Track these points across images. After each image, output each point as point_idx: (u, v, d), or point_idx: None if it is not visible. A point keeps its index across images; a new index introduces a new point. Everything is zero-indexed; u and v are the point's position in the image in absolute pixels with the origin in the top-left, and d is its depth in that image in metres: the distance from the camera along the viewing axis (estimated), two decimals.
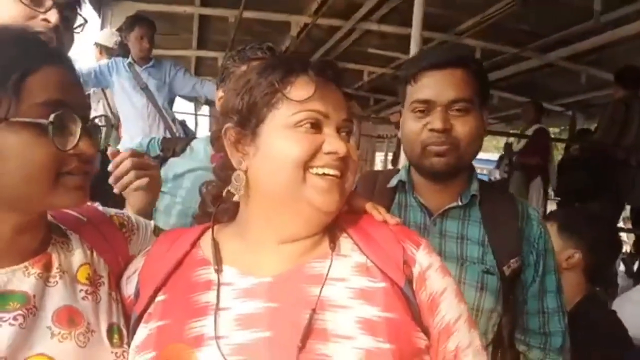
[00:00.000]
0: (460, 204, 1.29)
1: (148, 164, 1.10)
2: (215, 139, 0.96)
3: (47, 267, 0.82)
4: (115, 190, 1.07)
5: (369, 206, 0.99)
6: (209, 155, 1.71)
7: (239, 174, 0.89)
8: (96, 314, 0.84)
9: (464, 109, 1.23)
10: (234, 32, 4.88)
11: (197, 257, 0.90)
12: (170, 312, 0.84)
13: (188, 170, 1.64)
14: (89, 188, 0.82)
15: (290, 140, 0.83)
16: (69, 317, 0.80)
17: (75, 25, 1.20)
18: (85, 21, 1.21)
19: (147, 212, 1.10)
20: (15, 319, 0.75)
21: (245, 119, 0.87)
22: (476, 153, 1.28)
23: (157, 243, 0.95)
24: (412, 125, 1.27)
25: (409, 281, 0.85)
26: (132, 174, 1.06)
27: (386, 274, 0.84)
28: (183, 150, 1.71)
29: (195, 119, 7.78)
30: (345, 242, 0.90)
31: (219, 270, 0.86)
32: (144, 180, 1.07)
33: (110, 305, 0.87)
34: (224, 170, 0.93)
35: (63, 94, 0.75)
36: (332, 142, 0.84)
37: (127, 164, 1.06)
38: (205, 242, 0.92)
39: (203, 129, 7.97)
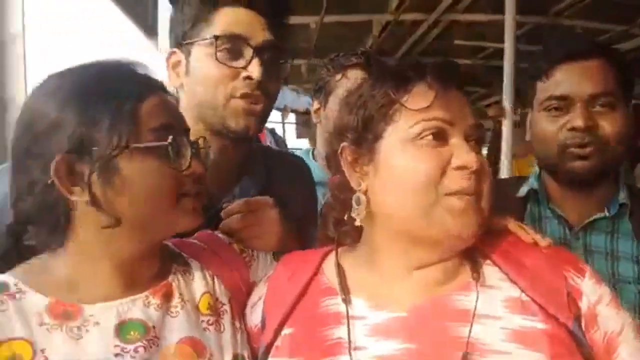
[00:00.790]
0: (607, 214, 1.13)
1: (260, 209, 1.00)
2: (330, 160, 0.89)
3: (168, 297, 0.82)
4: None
5: (513, 225, 0.86)
6: (312, 170, 1.67)
7: (358, 197, 0.81)
8: (219, 344, 0.82)
9: (608, 104, 1.08)
10: (315, 38, 4.87)
11: (321, 284, 0.84)
12: (300, 348, 0.79)
13: None
14: (202, 210, 0.82)
15: (412, 157, 0.75)
16: (192, 348, 0.79)
17: (281, 64, 1.11)
18: (289, 61, 1.13)
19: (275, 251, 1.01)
20: (136, 350, 0.75)
21: (361, 136, 0.80)
22: (625, 155, 1.12)
23: (279, 268, 0.91)
24: (546, 126, 1.13)
25: (577, 318, 0.72)
26: (241, 222, 0.99)
27: (547, 311, 0.71)
28: None
29: (283, 127, 7.92)
30: (490, 271, 0.79)
31: (347, 301, 0.79)
32: (255, 231, 0.99)
33: (234, 335, 0.85)
34: (342, 193, 0.86)
35: (171, 118, 0.79)
36: (461, 155, 0.74)
37: (234, 217, 0.99)
38: (329, 268, 0.86)
39: (290, 136, 8.09)
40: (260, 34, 1.05)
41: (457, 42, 5.12)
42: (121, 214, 0.75)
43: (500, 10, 3.36)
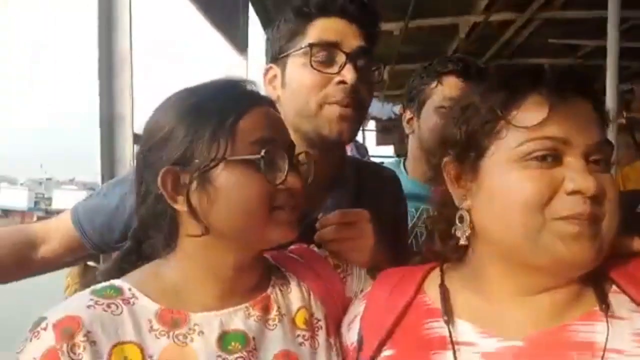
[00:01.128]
0: None
1: (356, 222, 1.00)
2: (431, 173, 0.84)
3: (267, 309, 0.83)
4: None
5: None
6: (402, 182, 1.62)
7: (462, 214, 0.77)
8: None
9: None
10: (399, 44, 4.80)
11: (424, 305, 0.80)
12: None
13: None
14: (297, 224, 0.82)
15: (518, 178, 0.69)
16: None
17: (373, 70, 1.14)
18: (382, 66, 1.15)
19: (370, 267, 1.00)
20: None
21: (464, 152, 0.75)
22: None
23: (377, 285, 0.88)
24: None
25: None
26: (336, 233, 0.99)
27: None
28: None
29: (363, 134, 7.89)
30: (618, 299, 0.71)
31: (449, 323, 0.74)
32: (350, 244, 0.98)
33: (328, 352, 0.84)
34: (445, 208, 0.82)
35: (272, 132, 0.80)
36: (576, 178, 0.66)
37: (330, 228, 0.99)
38: (432, 288, 0.81)
39: (370, 143, 8.05)
40: (353, 41, 1.07)
41: (551, 40, 4.81)
42: (215, 224, 0.78)
43: (599, 5, 3.13)
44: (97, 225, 1.16)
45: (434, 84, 1.53)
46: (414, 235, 1.48)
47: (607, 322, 0.68)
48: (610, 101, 2.84)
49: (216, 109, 0.78)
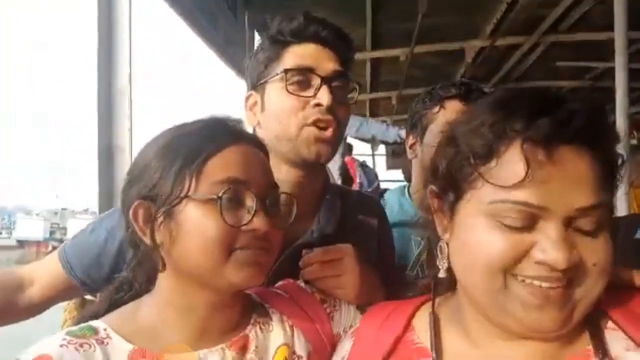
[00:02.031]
0: None
1: (341, 259, 0.97)
2: (420, 197, 0.81)
3: (244, 349, 0.81)
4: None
5: None
6: (404, 208, 1.59)
7: (441, 246, 0.72)
8: None
9: None
10: (406, 69, 4.82)
11: (411, 344, 0.75)
12: None
13: None
14: (269, 266, 0.80)
15: (486, 237, 0.63)
16: None
17: (348, 95, 1.14)
18: (358, 86, 1.16)
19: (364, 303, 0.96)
20: None
21: (444, 189, 0.70)
22: None
23: (365, 321, 0.84)
24: None
25: None
26: (320, 272, 0.96)
27: None
28: None
29: (373, 159, 7.88)
30: (614, 337, 0.65)
31: (438, 358, 0.70)
32: (334, 281, 0.95)
33: None
34: (431, 235, 0.77)
35: (242, 172, 0.77)
36: (547, 250, 0.60)
37: (314, 267, 0.97)
38: (420, 324, 0.77)
39: (381, 168, 8.02)
40: (327, 64, 1.09)
41: (559, 63, 4.79)
42: (177, 262, 0.77)
43: (607, 27, 3.11)
44: (85, 263, 1.13)
45: (436, 109, 1.49)
46: (420, 265, 1.44)
47: None
48: (620, 122, 2.80)
49: (187, 147, 0.77)
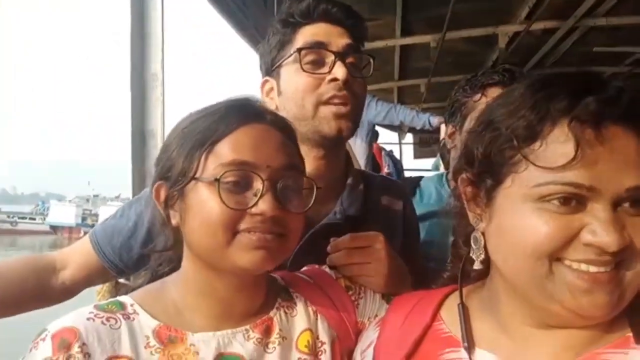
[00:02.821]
0: None
1: (369, 246, 0.96)
2: (455, 181, 0.78)
3: (268, 332, 0.81)
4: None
5: None
6: (443, 197, 1.56)
7: (476, 236, 0.70)
8: None
9: None
10: (436, 56, 4.73)
11: (441, 333, 0.74)
12: None
13: (419, 217, 1.48)
14: (285, 251, 0.79)
15: (532, 221, 0.60)
16: None
17: (362, 67, 1.15)
18: (372, 59, 1.16)
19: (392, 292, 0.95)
20: None
21: (480, 175, 0.67)
22: None
23: (392, 311, 0.83)
24: None
25: None
26: (348, 258, 0.95)
27: None
28: (412, 192, 1.58)
29: (400, 147, 7.79)
30: None
31: (469, 350, 0.68)
32: (362, 269, 0.94)
33: None
34: (461, 226, 0.76)
35: (250, 154, 0.76)
36: (597, 231, 0.58)
37: (342, 252, 0.96)
38: (449, 314, 0.75)
39: (408, 157, 7.93)
40: (339, 40, 1.09)
41: (596, 49, 4.63)
42: (188, 242, 0.79)
43: None
44: (116, 246, 1.16)
45: (477, 97, 1.44)
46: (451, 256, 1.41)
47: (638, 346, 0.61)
48: None
49: (202, 128, 0.78)
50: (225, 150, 0.76)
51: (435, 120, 4.04)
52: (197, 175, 0.76)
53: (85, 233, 1.35)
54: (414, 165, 7.79)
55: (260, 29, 3.22)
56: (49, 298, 1.15)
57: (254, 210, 0.74)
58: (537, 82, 0.67)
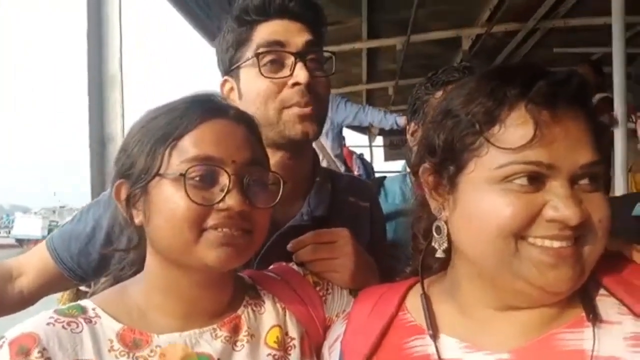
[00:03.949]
0: None
1: (335, 242, 0.96)
2: (414, 175, 0.79)
3: (236, 330, 0.80)
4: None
5: (632, 250, 0.72)
6: (407, 196, 1.56)
7: (438, 225, 0.71)
8: None
9: None
10: (402, 59, 4.81)
11: (406, 322, 0.75)
12: None
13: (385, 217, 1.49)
14: (251, 247, 0.77)
15: (496, 202, 0.62)
16: None
17: (324, 65, 1.10)
18: (332, 54, 1.13)
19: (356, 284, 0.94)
20: None
21: (442, 163, 0.69)
22: None
23: (357, 304, 0.83)
24: None
25: None
26: (313, 254, 0.94)
27: None
28: (377, 192, 1.58)
29: (370, 150, 7.87)
30: (607, 303, 0.66)
31: (434, 336, 0.70)
32: (329, 264, 0.94)
33: None
34: (423, 218, 0.77)
35: (215, 149, 0.75)
36: (559, 206, 0.60)
37: (308, 249, 0.95)
38: (413, 304, 0.77)
39: (379, 159, 8.01)
40: (298, 38, 1.04)
41: (556, 50, 4.78)
42: (152, 240, 0.78)
43: (604, 12, 3.09)
44: (74, 252, 1.12)
45: (439, 94, 1.46)
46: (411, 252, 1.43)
47: (592, 327, 0.63)
48: (618, 107, 2.79)
49: (164, 124, 0.76)
50: (190, 146, 0.75)
51: (401, 120, 4.11)
52: (161, 171, 0.74)
53: None
54: (385, 167, 7.87)
55: (222, 25, 3.20)
56: (5, 307, 1.11)
57: (220, 205, 0.73)
58: (490, 72, 0.70)
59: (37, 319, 0.73)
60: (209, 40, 2.99)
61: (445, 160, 0.69)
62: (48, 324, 0.72)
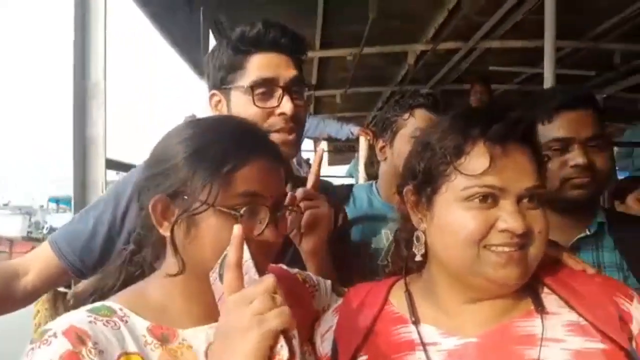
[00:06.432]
0: (589, 233, 1.31)
1: (318, 200, 1.14)
2: (398, 194, 0.95)
3: None
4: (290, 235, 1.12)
5: (566, 257, 0.94)
6: (373, 203, 1.73)
7: (418, 235, 0.89)
8: None
9: (601, 145, 1.27)
10: (353, 69, 4.98)
11: (392, 314, 0.90)
12: None
13: (352, 221, 1.61)
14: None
15: (462, 217, 0.81)
16: None
17: (305, 97, 1.25)
18: (311, 86, 1.28)
19: (319, 256, 1.13)
20: None
21: (422, 185, 0.87)
22: (607, 185, 1.27)
23: (347, 299, 0.97)
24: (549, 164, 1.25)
25: (629, 340, 0.78)
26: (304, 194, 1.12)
27: (605, 333, 0.77)
28: (347, 199, 1.73)
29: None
30: (549, 299, 0.85)
31: (416, 323, 0.86)
32: (311, 215, 1.11)
33: (303, 357, 0.89)
34: (406, 227, 0.94)
35: (262, 187, 0.81)
36: (507, 219, 0.79)
37: (299, 194, 1.11)
38: (397, 298, 0.92)
39: (323, 164, 8.07)
40: (286, 73, 1.20)
41: (492, 68, 5.15)
42: (190, 261, 0.82)
43: (536, 35, 3.39)
44: (77, 249, 1.20)
45: (406, 116, 1.64)
46: (390, 255, 1.57)
47: (541, 317, 0.81)
48: None
49: (218, 155, 0.80)
50: (243, 181, 0.80)
51: (355, 130, 4.27)
52: (209, 201, 0.78)
53: (33, 247, 1.36)
54: (329, 172, 7.97)
55: (186, 35, 3.23)
56: (13, 303, 1.17)
57: (260, 238, 0.80)
58: (460, 113, 0.90)
59: (75, 318, 0.76)
60: (173, 45, 3.02)
61: (424, 183, 0.86)
62: (90, 321, 0.75)
